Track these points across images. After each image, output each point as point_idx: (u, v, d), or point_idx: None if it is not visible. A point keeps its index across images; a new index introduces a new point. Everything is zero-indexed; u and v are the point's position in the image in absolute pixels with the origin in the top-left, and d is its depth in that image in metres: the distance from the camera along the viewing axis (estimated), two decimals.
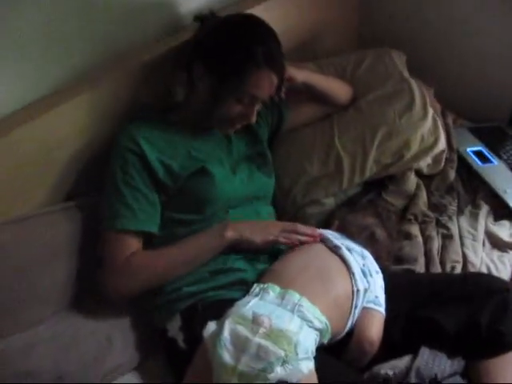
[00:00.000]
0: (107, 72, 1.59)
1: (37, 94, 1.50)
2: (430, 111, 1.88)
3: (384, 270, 1.50)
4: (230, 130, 1.59)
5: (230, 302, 1.27)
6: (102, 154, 1.56)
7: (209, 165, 1.52)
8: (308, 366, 1.14)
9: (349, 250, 1.43)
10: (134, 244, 1.46)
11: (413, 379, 1.30)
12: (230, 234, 1.46)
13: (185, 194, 1.50)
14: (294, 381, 1.11)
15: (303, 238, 1.47)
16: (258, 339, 1.14)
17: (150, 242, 1.50)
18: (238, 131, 1.63)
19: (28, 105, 1.49)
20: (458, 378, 1.33)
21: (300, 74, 1.69)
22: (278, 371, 1.11)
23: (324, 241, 1.47)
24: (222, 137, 1.64)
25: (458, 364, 1.35)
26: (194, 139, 1.57)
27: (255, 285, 1.32)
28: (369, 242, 1.55)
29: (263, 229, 1.50)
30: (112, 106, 1.60)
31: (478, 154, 2.05)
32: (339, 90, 1.87)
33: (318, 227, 1.58)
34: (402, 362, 1.34)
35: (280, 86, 1.53)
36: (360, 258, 1.44)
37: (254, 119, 1.53)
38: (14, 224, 1.46)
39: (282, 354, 1.12)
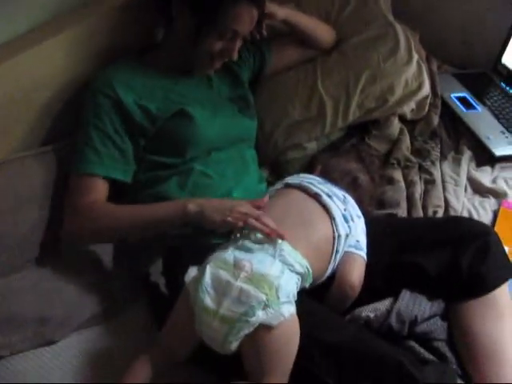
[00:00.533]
0: (83, 13, 1.55)
1: (12, 34, 1.46)
2: (415, 56, 1.86)
3: (366, 214, 1.50)
4: (210, 68, 1.55)
5: (212, 248, 1.27)
6: (79, 98, 1.53)
7: (188, 107, 1.49)
8: (289, 310, 1.14)
9: (329, 195, 1.43)
10: (99, 190, 1.44)
11: (393, 321, 1.31)
12: (192, 206, 1.35)
13: (165, 136, 1.48)
14: (275, 324, 1.11)
15: (264, 230, 1.33)
16: (239, 283, 1.14)
17: (123, 190, 1.49)
18: (219, 73, 1.61)
19: (3, 44, 1.44)
20: (438, 320, 1.35)
21: (281, 11, 1.65)
22: (260, 315, 1.12)
23: (304, 189, 1.45)
24: (203, 79, 1.61)
25: (438, 306, 1.36)
26: (173, 82, 1.54)
27: (236, 230, 1.31)
28: (351, 186, 1.55)
29: (226, 210, 1.33)
30: (89, 48, 1.57)
31: (462, 100, 2.04)
32: (322, 31, 1.83)
33: (300, 171, 1.58)
34: (383, 305, 1.35)
35: (260, 22, 1.50)
36: (341, 203, 1.43)
37: (235, 55, 1.50)
38: None
39: (264, 297, 1.12)
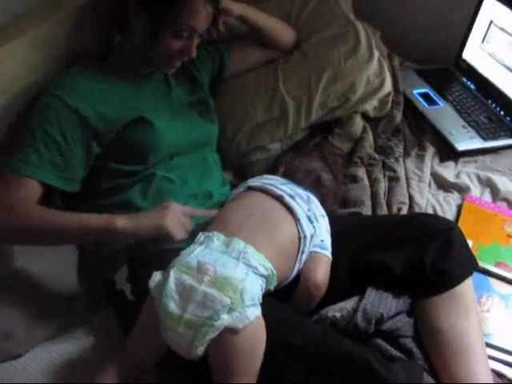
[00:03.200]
0: (41, 18, 1.52)
1: None
2: (376, 54, 1.87)
3: (330, 213, 1.51)
4: (170, 68, 1.53)
5: (176, 252, 1.25)
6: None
7: (147, 113, 1.48)
8: (255, 313, 1.14)
9: (292, 196, 1.42)
10: (32, 192, 1.38)
11: (359, 320, 1.31)
12: (121, 222, 1.31)
13: (124, 144, 1.46)
14: (241, 327, 1.11)
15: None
16: (203, 287, 1.13)
17: (80, 198, 1.48)
18: (177, 78, 1.60)
19: None
20: (404, 317, 1.35)
21: (237, 7, 1.65)
22: (225, 318, 1.11)
23: (266, 191, 1.44)
24: (161, 84, 1.60)
25: (403, 303, 1.37)
26: (131, 88, 1.53)
27: (200, 233, 1.30)
28: (315, 186, 1.55)
29: (159, 212, 1.35)
30: (47, 53, 1.54)
31: (425, 96, 2.06)
32: (282, 30, 1.83)
33: (265, 173, 1.58)
34: (349, 304, 1.35)
35: (216, 18, 1.49)
36: (305, 204, 1.43)
37: (194, 53, 1.48)
38: None
39: (228, 301, 1.12)
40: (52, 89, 1.44)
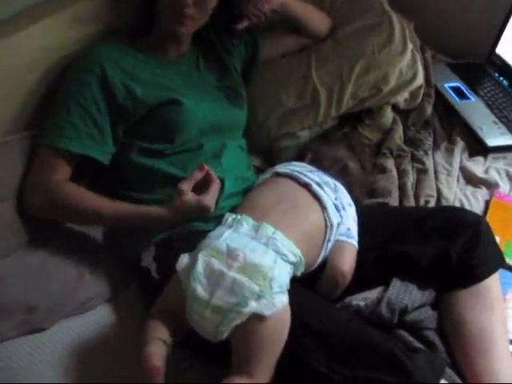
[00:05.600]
0: None
1: (7, 14, 1.45)
2: (410, 45, 1.85)
3: (357, 202, 1.50)
4: (179, 25, 1.50)
5: (204, 233, 1.26)
6: None
7: (176, 94, 1.49)
8: (282, 301, 1.14)
9: (320, 184, 1.42)
10: (68, 168, 1.44)
11: (383, 310, 1.31)
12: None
13: (152, 123, 1.48)
14: (268, 314, 1.11)
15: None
16: (232, 273, 1.13)
17: (99, 172, 1.50)
18: (207, 62, 1.63)
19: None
20: (428, 309, 1.35)
21: None
22: (253, 305, 1.11)
23: (294, 178, 1.44)
24: (191, 67, 1.61)
25: (428, 295, 1.36)
26: (162, 68, 1.55)
27: (227, 215, 1.31)
28: (341, 174, 1.55)
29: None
30: (83, 30, 1.55)
31: (456, 89, 2.04)
32: (317, 19, 1.83)
33: (292, 160, 1.58)
34: (374, 294, 1.35)
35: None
36: (332, 192, 1.43)
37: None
38: None
39: (257, 288, 1.12)
40: (85, 61, 1.46)
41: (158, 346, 1.17)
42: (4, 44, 1.40)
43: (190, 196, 1.38)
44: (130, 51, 1.53)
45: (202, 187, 1.40)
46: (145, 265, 1.40)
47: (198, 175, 1.40)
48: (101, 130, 1.44)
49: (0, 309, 1.33)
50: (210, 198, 1.39)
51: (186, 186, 1.38)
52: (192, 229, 1.40)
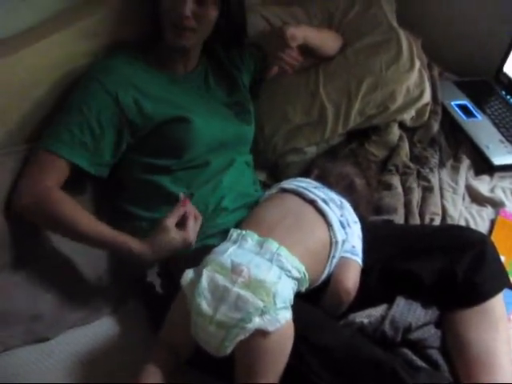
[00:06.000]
0: (84, 11, 1.55)
1: (14, 30, 1.46)
2: (417, 63, 1.86)
3: (362, 219, 1.51)
4: (179, 38, 1.49)
5: (209, 248, 1.27)
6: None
7: (186, 111, 1.49)
8: (286, 316, 1.14)
9: (326, 201, 1.42)
10: (60, 174, 1.43)
11: (387, 327, 1.31)
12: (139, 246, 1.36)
13: (160, 139, 1.48)
14: (271, 330, 1.11)
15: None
16: (237, 289, 1.14)
17: (102, 186, 1.52)
18: (216, 78, 1.64)
19: (4, 39, 1.45)
20: (432, 328, 1.35)
21: (299, 32, 1.68)
22: (257, 321, 1.11)
23: (300, 194, 1.45)
24: (201, 83, 1.62)
25: (432, 313, 1.36)
26: (172, 84, 1.55)
27: (232, 230, 1.31)
28: (348, 191, 1.55)
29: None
30: (89, 45, 1.56)
31: (463, 107, 2.04)
32: (332, 43, 1.85)
33: (298, 176, 1.58)
34: (378, 311, 1.35)
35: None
36: (338, 209, 1.43)
37: (186, 11, 1.43)
38: None
39: (261, 304, 1.12)
40: (94, 72, 1.47)
41: None
42: (11, 59, 1.41)
43: (174, 232, 1.35)
44: (141, 65, 1.53)
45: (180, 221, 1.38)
46: (150, 280, 1.40)
47: (181, 210, 1.38)
48: (97, 141, 1.44)
49: (4, 317, 1.34)
50: (193, 234, 1.37)
51: (171, 223, 1.36)
52: (196, 245, 1.40)
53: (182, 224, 1.37)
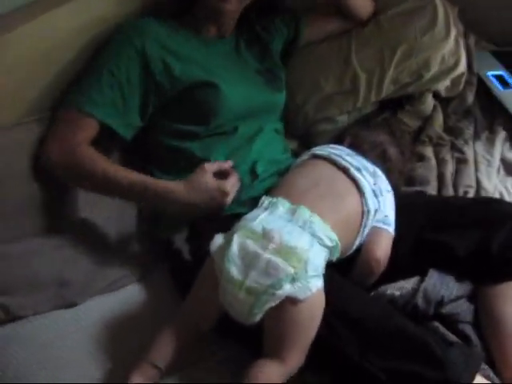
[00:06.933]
0: None
1: None
2: (453, 31, 1.80)
3: (395, 189, 1.48)
4: (222, 2, 1.47)
5: (238, 216, 1.25)
6: None
7: (214, 76, 1.47)
8: (317, 285, 1.13)
9: (359, 169, 1.40)
10: (89, 131, 1.41)
11: (419, 300, 1.29)
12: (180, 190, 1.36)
13: (186, 104, 1.46)
14: (302, 298, 1.10)
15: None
16: (267, 255, 1.12)
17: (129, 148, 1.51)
18: (248, 43, 1.61)
19: (22, 6, 1.41)
20: (465, 302, 1.33)
21: None
22: (287, 288, 1.10)
23: (333, 161, 1.42)
24: (232, 49, 1.60)
25: (465, 288, 1.34)
26: (202, 47, 1.53)
27: (264, 197, 1.29)
28: (381, 159, 1.52)
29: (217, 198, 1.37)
30: (113, 8, 1.53)
31: (499, 78, 1.98)
32: (361, 1, 1.78)
33: (330, 143, 1.55)
34: (409, 283, 1.33)
35: None
36: (371, 177, 1.41)
37: None
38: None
39: (292, 271, 1.10)
40: (126, 31, 1.45)
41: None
42: (30, 26, 1.38)
43: (210, 177, 1.36)
44: (172, 26, 1.51)
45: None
46: (177, 246, 1.39)
47: (224, 165, 1.40)
48: (126, 101, 1.43)
49: (33, 282, 1.35)
50: (229, 186, 1.37)
51: (210, 167, 1.37)
52: (227, 212, 1.38)
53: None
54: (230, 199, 1.37)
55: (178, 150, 1.48)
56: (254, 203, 1.32)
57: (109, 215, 1.49)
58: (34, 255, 1.38)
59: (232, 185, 1.38)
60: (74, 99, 1.42)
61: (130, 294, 1.42)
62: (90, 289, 1.39)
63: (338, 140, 1.61)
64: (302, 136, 1.79)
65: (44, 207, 1.46)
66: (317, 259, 1.16)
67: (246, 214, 1.25)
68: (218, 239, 1.20)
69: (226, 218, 1.33)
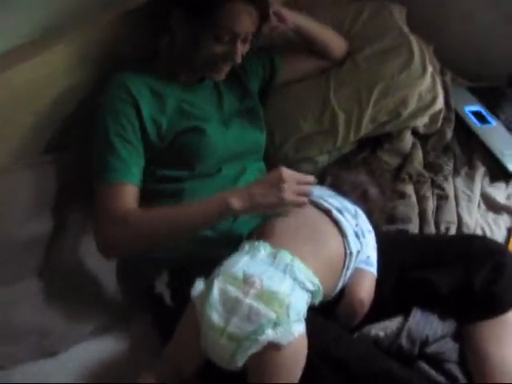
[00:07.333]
0: (84, 22, 1.52)
1: (12, 44, 1.43)
2: (429, 68, 1.82)
3: (377, 228, 1.48)
4: (216, 74, 1.50)
5: (219, 259, 1.24)
6: (82, 104, 1.54)
7: (200, 122, 1.47)
8: (299, 329, 1.12)
9: (340, 210, 1.40)
10: (130, 196, 1.38)
11: (404, 341, 1.29)
12: (235, 202, 1.30)
13: (174, 150, 1.45)
14: (284, 343, 1.09)
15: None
16: (249, 300, 1.11)
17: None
18: (228, 84, 1.59)
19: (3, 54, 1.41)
20: (449, 341, 1.33)
21: (290, 15, 1.62)
22: (269, 333, 1.09)
23: (314, 203, 1.42)
24: (213, 91, 1.59)
25: (449, 326, 1.34)
26: (184, 92, 1.52)
27: (245, 241, 1.29)
28: (361, 199, 1.53)
29: (275, 189, 1.30)
30: (89, 56, 1.53)
31: (477, 114, 2.00)
32: (334, 40, 1.80)
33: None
34: (393, 323, 1.33)
35: (262, 22, 1.47)
36: (352, 219, 1.41)
37: (238, 58, 1.44)
38: None
39: (274, 316, 1.10)
40: (111, 90, 1.43)
41: None
42: (9, 74, 1.38)
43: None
44: (150, 76, 1.49)
45: None
46: (158, 291, 1.38)
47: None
48: (141, 157, 1.42)
49: (14, 332, 1.34)
50: (289, 195, 1.30)
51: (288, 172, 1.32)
52: (208, 256, 1.37)
53: None
54: (288, 196, 1.29)
55: (162, 193, 1.46)
56: (236, 244, 1.31)
57: (89, 262, 1.48)
58: (14, 304, 1.37)
59: (293, 178, 1.32)
60: (101, 176, 1.39)
61: (112, 341, 1.41)
62: (72, 337, 1.38)
63: (319, 180, 1.61)
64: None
65: (22, 254, 1.44)
66: (298, 304, 1.15)
67: (227, 256, 1.24)
68: (199, 285, 1.19)
69: (207, 262, 1.31)
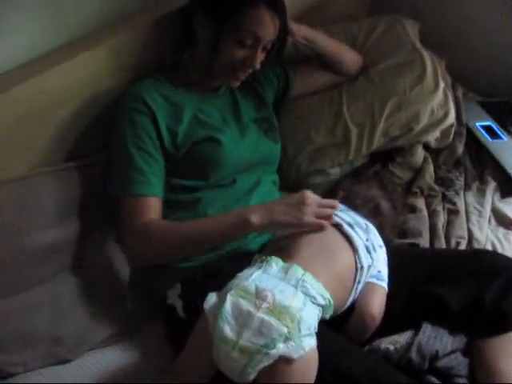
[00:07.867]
0: (113, 31, 1.54)
1: (36, 52, 1.45)
2: (442, 84, 1.84)
3: (388, 243, 1.48)
4: (234, 80, 1.52)
5: (231, 273, 1.24)
6: (103, 114, 1.55)
7: (216, 131, 1.49)
8: (310, 343, 1.12)
9: (351, 225, 1.41)
10: (153, 208, 1.41)
11: (414, 355, 1.29)
12: (255, 219, 1.31)
13: (189, 159, 1.47)
14: (295, 357, 1.09)
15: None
16: (261, 314, 1.11)
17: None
18: (244, 94, 1.61)
19: (26, 62, 1.44)
20: (459, 355, 1.32)
21: (303, 29, 1.65)
22: (280, 347, 1.09)
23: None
24: (229, 100, 1.60)
25: (459, 341, 1.34)
26: (201, 102, 1.54)
27: (257, 255, 1.30)
28: (373, 214, 1.54)
29: (296, 210, 1.32)
30: (113, 65, 1.55)
31: (488, 128, 2.02)
32: (347, 55, 1.82)
33: (323, 197, 1.56)
34: (403, 338, 1.33)
35: (284, 33, 1.49)
36: (363, 233, 1.41)
37: (257, 64, 1.47)
38: (13, 183, 1.43)
39: (285, 330, 1.10)
40: (128, 102, 1.45)
41: None
42: (33, 82, 1.40)
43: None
44: (168, 86, 1.51)
45: None
46: (170, 302, 1.39)
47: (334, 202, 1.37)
48: (161, 167, 1.45)
49: (26, 339, 1.35)
50: (310, 215, 1.31)
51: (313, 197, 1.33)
52: (220, 269, 1.38)
53: None
54: (307, 218, 1.30)
55: (177, 202, 1.48)
56: (248, 260, 1.32)
57: (102, 270, 1.50)
58: (28, 310, 1.38)
59: (315, 202, 1.33)
60: (123, 189, 1.42)
61: (123, 350, 1.41)
62: (84, 346, 1.38)
63: (331, 194, 1.62)
64: (294, 189, 1.77)
65: (35, 262, 1.45)
66: (310, 318, 1.15)
67: (238, 269, 1.25)
68: (212, 297, 1.19)
69: (220, 274, 1.32)
